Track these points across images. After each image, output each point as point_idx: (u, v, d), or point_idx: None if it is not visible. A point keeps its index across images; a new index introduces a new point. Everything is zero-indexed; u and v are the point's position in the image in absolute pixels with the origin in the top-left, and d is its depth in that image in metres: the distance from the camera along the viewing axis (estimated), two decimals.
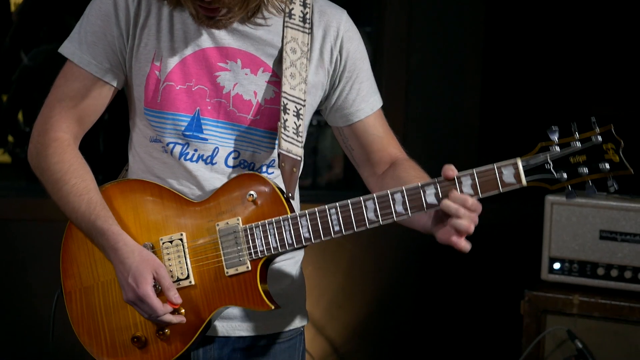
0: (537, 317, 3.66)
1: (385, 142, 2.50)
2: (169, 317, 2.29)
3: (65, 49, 2.39)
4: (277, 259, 2.41)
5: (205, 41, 2.35)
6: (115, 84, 2.39)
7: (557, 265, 3.72)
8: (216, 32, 2.34)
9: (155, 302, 2.26)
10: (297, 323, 2.54)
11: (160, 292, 2.30)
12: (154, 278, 2.28)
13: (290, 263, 2.50)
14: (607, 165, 2.11)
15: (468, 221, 2.16)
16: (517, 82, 4.71)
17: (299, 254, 2.54)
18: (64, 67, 2.40)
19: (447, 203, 2.16)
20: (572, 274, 3.71)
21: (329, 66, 2.42)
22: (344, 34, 2.42)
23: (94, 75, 2.37)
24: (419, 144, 4.48)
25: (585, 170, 2.12)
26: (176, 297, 2.29)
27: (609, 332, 3.61)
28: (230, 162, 2.39)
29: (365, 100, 2.47)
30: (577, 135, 2.12)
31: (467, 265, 4.60)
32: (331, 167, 5.04)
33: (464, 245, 2.18)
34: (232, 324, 2.44)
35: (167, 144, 2.37)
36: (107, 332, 2.39)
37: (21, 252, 4.38)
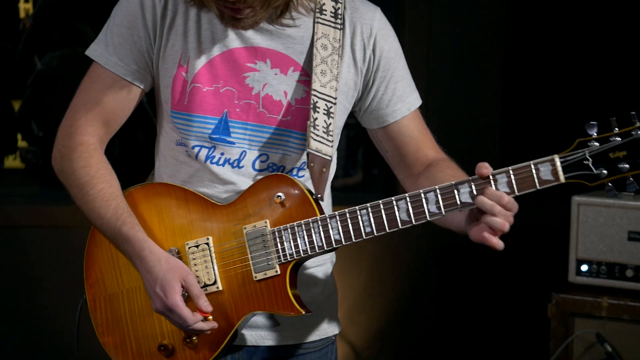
0: (565, 320, 3.64)
1: (421, 143, 2.44)
2: (200, 325, 2.24)
3: (92, 51, 2.36)
4: (308, 264, 2.36)
5: (233, 41, 2.30)
6: (142, 86, 2.35)
7: (584, 267, 3.69)
8: (244, 32, 2.29)
9: (185, 312, 2.21)
10: (329, 332, 2.48)
11: (188, 299, 2.25)
12: (182, 286, 2.24)
13: (321, 269, 2.45)
14: None
15: (503, 219, 2.10)
16: (538, 77, 4.67)
17: (330, 260, 2.49)
18: (89, 69, 2.37)
19: (482, 199, 2.11)
20: (600, 276, 3.67)
21: (362, 65, 2.37)
22: (377, 32, 2.37)
23: (121, 77, 2.33)
24: (438, 140, 4.45)
25: (626, 166, 2.06)
26: (206, 305, 2.24)
27: (639, 335, 3.57)
28: (258, 165, 2.34)
29: (401, 101, 2.41)
30: (616, 130, 2.06)
31: (492, 267, 4.57)
32: (348, 169, 4.99)
33: (497, 242, 2.12)
34: (260, 332, 2.39)
35: (192, 147, 2.33)
36: (134, 341, 2.35)
37: (34, 259, 4.35)
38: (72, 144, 2.33)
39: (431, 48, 4.51)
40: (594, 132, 2.08)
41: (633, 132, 2.05)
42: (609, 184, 2.09)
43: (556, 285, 3.72)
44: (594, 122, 2.08)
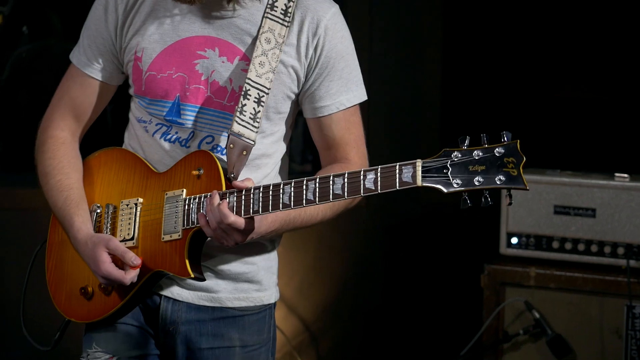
0: (497, 290, 3.76)
1: (336, 145, 2.53)
2: (132, 275, 2.44)
3: (71, 53, 2.62)
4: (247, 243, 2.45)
5: (185, 31, 2.47)
6: (110, 82, 2.60)
7: (514, 240, 3.82)
8: (197, 21, 2.46)
9: (117, 275, 2.43)
10: (265, 300, 2.61)
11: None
12: (109, 253, 2.44)
13: (262, 240, 2.56)
14: (502, 178, 2.07)
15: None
16: (477, 67, 4.73)
17: (270, 240, 2.60)
18: (67, 70, 2.63)
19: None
20: (529, 247, 3.81)
21: (304, 60, 2.46)
22: (324, 30, 2.44)
23: (89, 75, 2.58)
24: (381, 132, 4.59)
25: (480, 179, 2.08)
26: (134, 260, 2.43)
27: (564, 302, 3.71)
28: (204, 146, 2.50)
29: (332, 98, 2.49)
30: (485, 145, 2.10)
31: (431, 242, 4.66)
32: (306, 154, 5.08)
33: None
34: (197, 293, 2.56)
35: (156, 125, 2.53)
36: (68, 283, 2.58)
37: None
38: (45, 137, 2.61)
39: (373, 40, 4.59)
40: (464, 145, 2.11)
41: (495, 150, 2.08)
42: (465, 195, 2.10)
43: (488, 257, 3.83)
44: (467, 137, 2.12)
